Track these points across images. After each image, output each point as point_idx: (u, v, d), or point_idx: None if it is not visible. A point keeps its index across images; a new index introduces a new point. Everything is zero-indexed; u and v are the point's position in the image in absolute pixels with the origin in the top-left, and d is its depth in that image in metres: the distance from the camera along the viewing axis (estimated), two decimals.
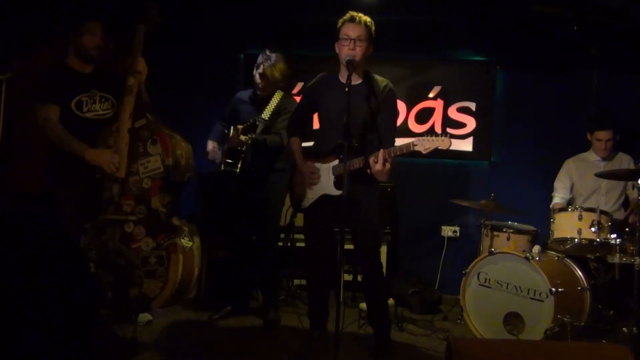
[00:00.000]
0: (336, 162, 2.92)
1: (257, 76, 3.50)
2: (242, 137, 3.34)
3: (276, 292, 3.77)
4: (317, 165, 3.01)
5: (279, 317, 3.60)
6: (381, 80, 2.99)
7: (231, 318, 3.68)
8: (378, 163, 2.74)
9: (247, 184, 3.58)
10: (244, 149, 3.49)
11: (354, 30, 2.85)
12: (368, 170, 2.83)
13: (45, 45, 3.73)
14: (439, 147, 2.70)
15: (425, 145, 2.70)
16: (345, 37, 2.86)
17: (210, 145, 3.69)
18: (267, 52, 3.49)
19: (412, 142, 2.73)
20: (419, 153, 2.72)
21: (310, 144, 3.19)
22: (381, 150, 2.76)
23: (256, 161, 3.53)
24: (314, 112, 3.17)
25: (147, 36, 2.94)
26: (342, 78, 2.92)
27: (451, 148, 4.53)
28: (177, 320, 3.60)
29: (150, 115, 2.90)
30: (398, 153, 2.76)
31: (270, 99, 3.56)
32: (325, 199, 2.98)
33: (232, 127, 3.60)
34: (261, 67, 3.47)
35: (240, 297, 3.82)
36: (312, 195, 3.03)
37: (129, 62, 2.91)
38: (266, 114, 3.51)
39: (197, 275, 2.86)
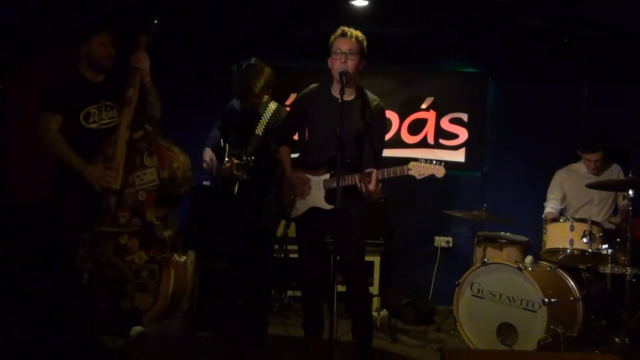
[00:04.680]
0: (327, 176, 2.92)
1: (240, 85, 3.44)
2: (236, 173, 3.28)
3: (268, 310, 3.67)
4: (308, 176, 3.01)
5: (268, 339, 3.46)
6: (373, 98, 3.01)
7: (225, 331, 3.65)
8: (372, 184, 2.75)
9: (245, 196, 3.43)
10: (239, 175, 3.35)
11: (345, 44, 2.89)
12: (360, 186, 2.80)
13: (39, 57, 3.72)
14: (434, 174, 2.66)
15: (420, 171, 2.67)
16: (337, 51, 2.89)
17: (208, 155, 3.54)
18: (253, 61, 3.45)
19: (407, 166, 2.70)
20: (412, 177, 2.69)
21: (295, 155, 3.18)
22: (374, 171, 2.76)
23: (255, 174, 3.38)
24: (303, 124, 3.15)
25: (147, 47, 2.92)
26: (335, 92, 2.94)
27: (444, 159, 4.67)
28: (169, 333, 3.57)
29: (149, 126, 2.88)
30: (392, 175, 2.75)
31: (263, 111, 3.44)
32: (314, 211, 2.97)
33: (227, 149, 3.42)
34: (243, 76, 3.41)
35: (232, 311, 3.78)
36: (301, 206, 3.02)
37: (129, 77, 2.88)
38: (260, 129, 3.40)
39: (191, 290, 2.83)
